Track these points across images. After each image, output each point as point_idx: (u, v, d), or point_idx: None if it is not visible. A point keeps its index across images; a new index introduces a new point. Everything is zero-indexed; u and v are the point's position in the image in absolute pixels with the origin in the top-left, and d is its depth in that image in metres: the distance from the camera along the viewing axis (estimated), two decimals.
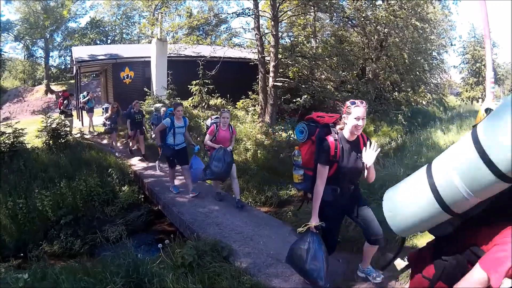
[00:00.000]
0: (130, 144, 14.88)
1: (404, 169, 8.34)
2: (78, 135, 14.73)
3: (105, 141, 17.16)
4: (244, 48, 24.46)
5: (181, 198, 9.16)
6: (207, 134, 8.22)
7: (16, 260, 8.04)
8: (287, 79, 19.50)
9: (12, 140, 11.79)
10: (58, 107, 17.54)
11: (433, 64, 26.57)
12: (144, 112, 14.75)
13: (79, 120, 20.93)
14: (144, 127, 14.29)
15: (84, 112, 20.39)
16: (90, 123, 19.26)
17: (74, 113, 24.11)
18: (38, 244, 8.62)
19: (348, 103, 4.06)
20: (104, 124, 15.28)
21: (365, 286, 4.66)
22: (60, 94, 19.70)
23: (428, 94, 25.06)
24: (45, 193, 9.68)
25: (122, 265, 4.70)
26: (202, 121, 16.77)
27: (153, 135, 12.89)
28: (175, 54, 20.10)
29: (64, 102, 16.72)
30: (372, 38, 22.21)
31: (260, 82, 19.34)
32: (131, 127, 13.64)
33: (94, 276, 4.66)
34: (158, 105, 14.77)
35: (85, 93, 20.05)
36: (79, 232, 9.18)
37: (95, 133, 18.83)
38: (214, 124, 8.20)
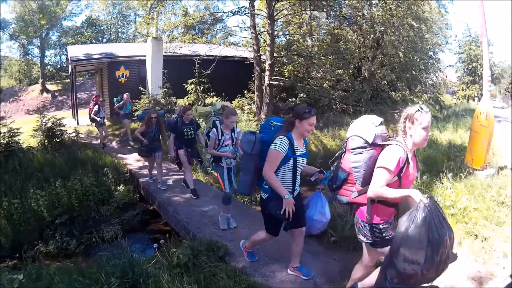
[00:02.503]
0: (186, 175, 9.14)
1: None
2: (73, 134, 14.54)
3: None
4: (240, 47, 24.48)
5: (177, 197, 9.12)
6: (379, 177, 3.48)
7: (11, 260, 8.02)
8: (283, 78, 19.51)
9: (7, 139, 11.82)
10: (88, 113, 15.50)
11: (429, 63, 26.69)
12: (198, 122, 9.66)
13: (75, 119, 20.85)
14: (196, 149, 9.21)
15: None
16: (127, 133, 16.13)
17: (69, 112, 24.10)
18: (33, 244, 8.57)
19: None
20: (142, 145, 10.09)
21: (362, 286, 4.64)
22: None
23: (424, 94, 25.15)
24: (40, 193, 9.65)
25: (117, 265, 4.68)
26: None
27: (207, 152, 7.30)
28: (170, 53, 20.07)
29: (95, 108, 14.70)
30: (368, 36, 22.25)
31: (255, 81, 19.37)
32: (177, 145, 8.73)
33: (89, 276, 4.63)
34: (219, 104, 9.70)
35: (119, 96, 16.29)
36: (75, 232, 9.13)
37: (134, 144, 15.35)
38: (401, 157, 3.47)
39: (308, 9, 20.43)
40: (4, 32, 40.82)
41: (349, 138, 3.81)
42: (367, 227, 3.66)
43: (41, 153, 12.30)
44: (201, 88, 19.33)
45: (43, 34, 43.14)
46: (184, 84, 19.40)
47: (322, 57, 20.47)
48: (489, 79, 8.11)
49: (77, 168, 11.22)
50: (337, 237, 5.90)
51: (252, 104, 20.23)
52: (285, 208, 4.29)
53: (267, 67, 18.25)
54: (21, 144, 12.49)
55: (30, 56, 47.78)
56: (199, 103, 19.02)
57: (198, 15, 22.48)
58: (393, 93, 23.09)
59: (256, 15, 19.01)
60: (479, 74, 42.43)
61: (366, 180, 3.65)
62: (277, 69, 20.10)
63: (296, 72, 21.27)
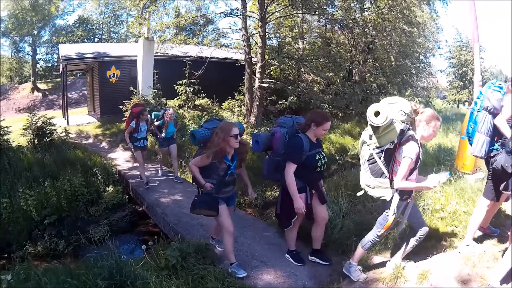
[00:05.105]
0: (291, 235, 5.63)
1: None
2: (63, 134, 14.43)
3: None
4: (231, 49, 24.49)
5: (165, 199, 9.13)
6: None
7: (0, 260, 7.98)
8: (273, 80, 19.54)
9: None
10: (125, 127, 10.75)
11: (420, 67, 26.78)
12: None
13: (65, 119, 20.72)
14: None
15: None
16: (174, 165, 11.28)
17: (60, 112, 23.92)
18: (22, 245, 8.54)
19: None
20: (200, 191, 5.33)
21: (351, 287, 4.66)
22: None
23: (415, 98, 25.23)
24: (29, 193, 9.58)
25: (105, 267, 4.67)
26: (188, 122, 16.64)
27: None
28: (162, 53, 20.05)
29: (131, 124, 9.92)
30: (360, 40, 22.32)
31: (246, 83, 19.38)
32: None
33: (77, 277, 4.62)
34: (406, 103, 4.14)
35: (161, 110, 11.42)
36: (63, 233, 9.11)
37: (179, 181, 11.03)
38: None
39: (300, 12, 20.47)
40: None
41: None
42: None
43: (30, 152, 12.21)
44: (191, 90, 19.35)
45: (35, 32, 42.82)
46: (174, 85, 19.41)
47: (313, 60, 20.51)
48: (480, 84, 8.15)
49: (66, 168, 11.16)
50: (326, 240, 5.92)
51: (242, 106, 20.24)
52: None
53: (257, 69, 18.25)
54: (11, 143, 12.44)
55: (22, 54, 47.44)
56: (189, 104, 19.03)
57: (190, 16, 22.43)
58: (383, 96, 23.14)
59: (248, 17, 19.03)
60: (469, 79, 42.78)
61: None
62: (267, 71, 20.15)
63: (286, 74, 21.32)
